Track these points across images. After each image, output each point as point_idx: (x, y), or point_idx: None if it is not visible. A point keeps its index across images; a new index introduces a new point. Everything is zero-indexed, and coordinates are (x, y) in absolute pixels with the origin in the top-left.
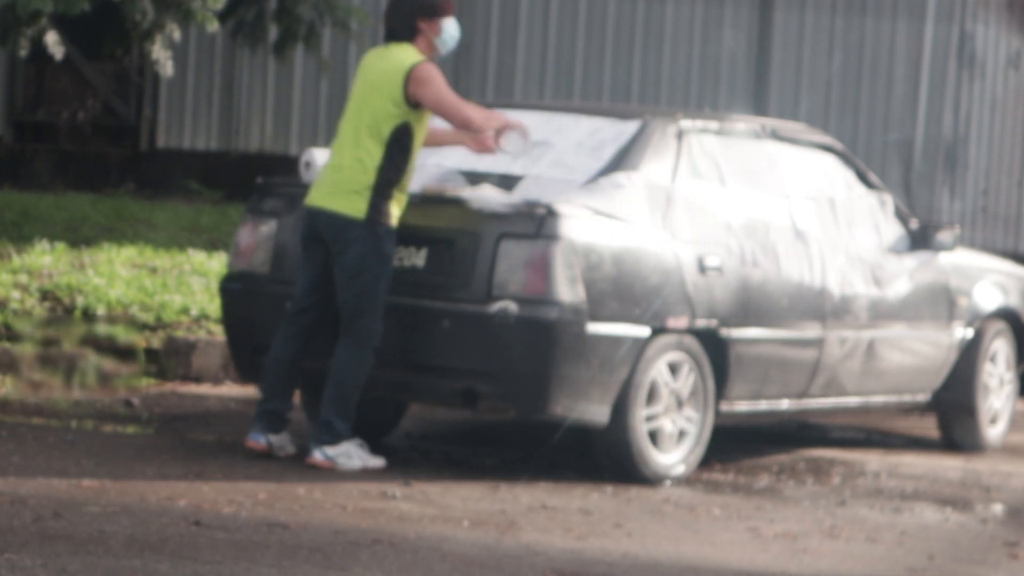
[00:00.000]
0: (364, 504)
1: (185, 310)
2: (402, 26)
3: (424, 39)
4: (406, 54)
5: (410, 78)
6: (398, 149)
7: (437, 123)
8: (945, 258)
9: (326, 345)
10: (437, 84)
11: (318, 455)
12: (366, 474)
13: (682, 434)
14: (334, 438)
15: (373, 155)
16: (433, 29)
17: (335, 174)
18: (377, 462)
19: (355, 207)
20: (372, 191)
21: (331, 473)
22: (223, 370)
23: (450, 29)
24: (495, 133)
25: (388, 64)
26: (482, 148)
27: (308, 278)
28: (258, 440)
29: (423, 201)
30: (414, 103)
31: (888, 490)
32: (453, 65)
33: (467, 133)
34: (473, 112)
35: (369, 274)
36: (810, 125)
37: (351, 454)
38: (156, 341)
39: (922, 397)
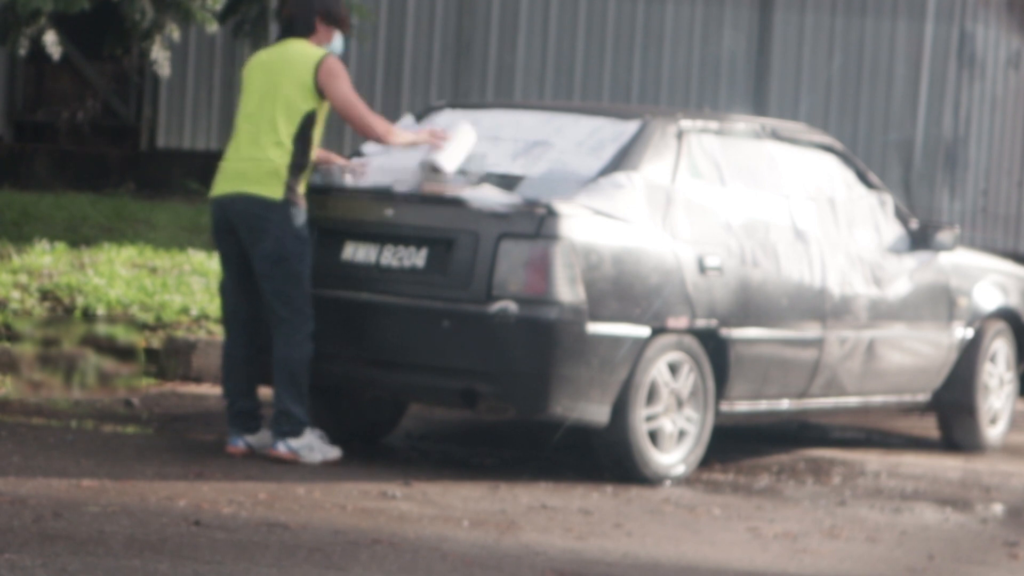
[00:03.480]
0: (364, 504)
1: (185, 310)
2: (301, 19)
3: (316, 40)
4: (310, 48)
5: (321, 67)
6: (306, 136)
7: None
8: (945, 258)
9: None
10: (346, 82)
11: (281, 447)
12: (366, 474)
13: (682, 434)
14: (295, 427)
15: (284, 143)
16: (326, 35)
17: (244, 163)
18: (335, 453)
19: (271, 189)
20: (288, 173)
21: (331, 473)
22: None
23: (337, 43)
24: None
25: (294, 56)
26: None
27: (231, 273)
28: (236, 444)
29: (423, 201)
30: (321, 93)
31: (888, 490)
32: (453, 65)
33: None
34: (377, 122)
35: (292, 257)
36: (810, 125)
37: (313, 446)
38: (156, 341)
39: (922, 397)
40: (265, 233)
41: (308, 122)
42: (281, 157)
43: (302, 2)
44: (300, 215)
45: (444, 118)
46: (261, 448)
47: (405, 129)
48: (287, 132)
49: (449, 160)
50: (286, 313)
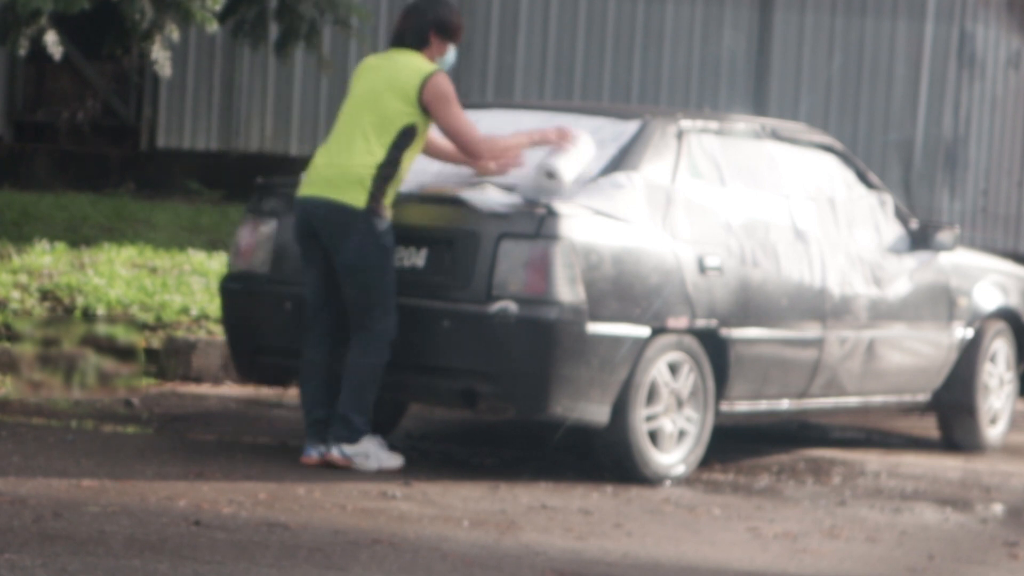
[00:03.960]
0: (364, 504)
1: (185, 310)
2: (415, 32)
3: (429, 53)
4: (420, 61)
5: (428, 84)
6: (401, 148)
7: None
8: (945, 258)
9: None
10: (455, 102)
11: (335, 452)
12: (366, 474)
13: (682, 434)
14: (352, 434)
15: (375, 152)
16: (440, 48)
17: (332, 168)
18: (394, 462)
19: (355, 197)
20: (372, 183)
21: (331, 473)
22: (223, 370)
23: (451, 56)
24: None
25: (401, 67)
26: (484, 172)
27: (313, 278)
28: (310, 454)
29: (423, 201)
30: (424, 108)
31: (888, 490)
32: (453, 65)
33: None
34: (483, 143)
35: (372, 267)
36: (810, 125)
37: (369, 454)
38: (156, 341)
39: (922, 397)
40: (347, 241)
41: (405, 135)
42: (369, 166)
43: (416, 13)
44: (383, 224)
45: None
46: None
47: (517, 133)
48: (381, 142)
49: (568, 168)
50: (365, 321)
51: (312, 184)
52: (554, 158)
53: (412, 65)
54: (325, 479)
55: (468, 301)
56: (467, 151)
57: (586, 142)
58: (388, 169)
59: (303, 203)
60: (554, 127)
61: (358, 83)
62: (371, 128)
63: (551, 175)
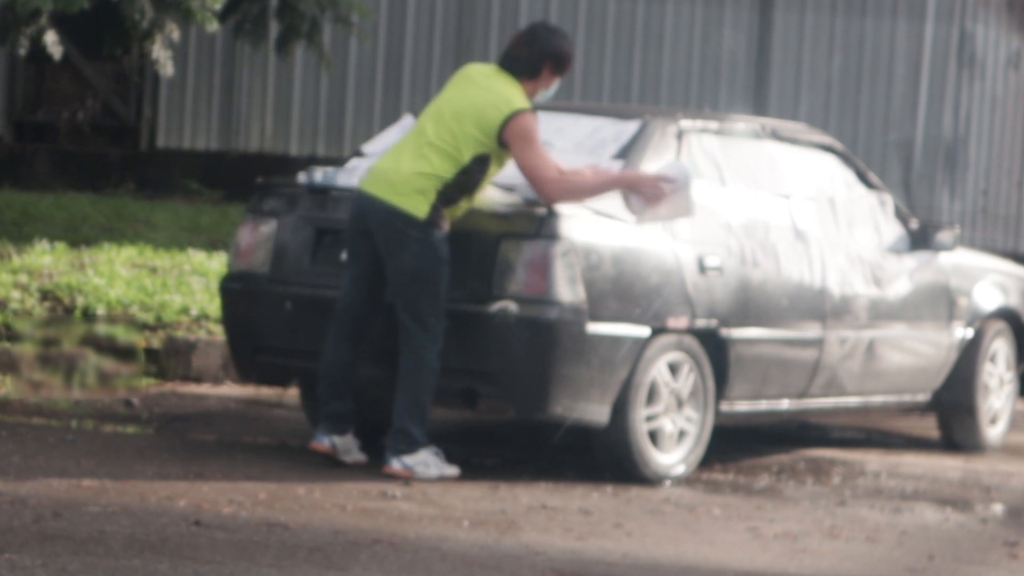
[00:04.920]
0: (364, 504)
1: (185, 310)
2: (529, 60)
3: (535, 84)
4: (514, 93)
5: (511, 122)
6: (470, 174)
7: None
8: (945, 258)
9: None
10: (535, 143)
11: (396, 464)
12: (366, 474)
13: (682, 434)
14: (411, 446)
15: (444, 169)
16: (548, 81)
17: (397, 173)
18: (452, 471)
19: (417, 206)
20: (436, 196)
21: (331, 473)
22: (223, 370)
23: (555, 88)
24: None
25: (492, 93)
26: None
27: (354, 275)
28: (321, 442)
29: None
30: (503, 144)
31: (888, 490)
32: (453, 65)
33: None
34: (554, 187)
35: (427, 276)
36: (810, 125)
37: (428, 463)
38: (156, 341)
39: (922, 397)
40: (403, 248)
41: (477, 163)
42: (436, 180)
43: (536, 42)
44: (441, 236)
45: None
46: (345, 454)
47: (599, 173)
48: (451, 162)
49: (651, 219)
50: (416, 330)
51: (375, 183)
52: (650, 209)
53: (504, 97)
54: (325, 479)
55: (468, 301)
56: (540, 193)
57: (681, 192)
58: (453, 189)
59: (363, 199)
60: (653, 175)
61: (450, 91)
62: (444, 144)
63: (634, 214)
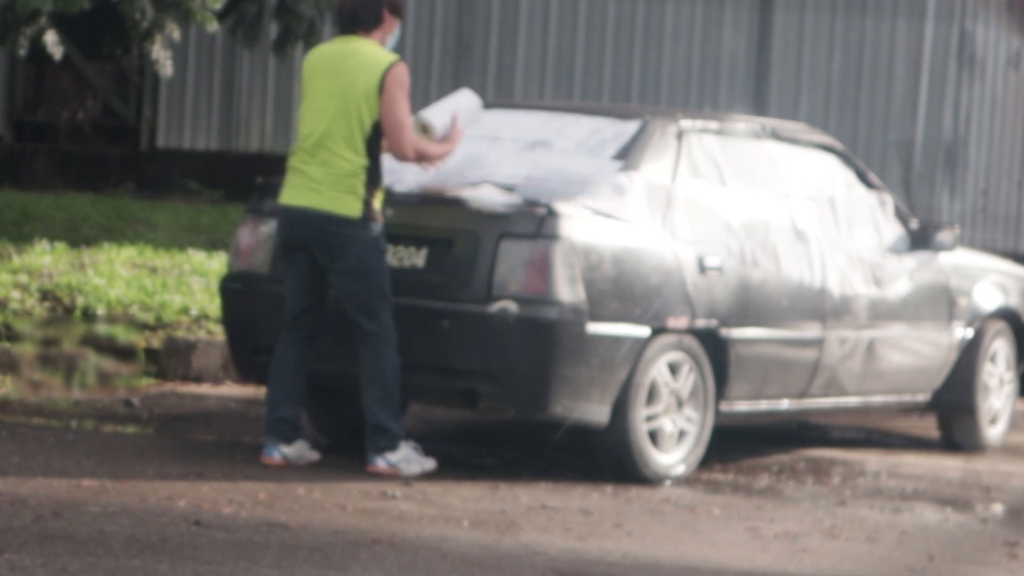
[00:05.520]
0: (364, 504)
1: (185, 310)
2: (368, 13)
3: (382, 33)
4: (378, 51)
5: (391, 71)
6: (378, 147)
7: None
8: (945, 258)
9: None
10: (405, 95)
11: (381, 463)
12: (366, 474)
13: (682, 434)
14: (391, 441)
15: (357, 155)
16: (390, 27)
17: (315, 176)
18: (431, 464)
19: (349, 207)
20: (364, 188)
21: (331, 473)
22: (223, 370)
23: (397, 33)
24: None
25: (363, 59)
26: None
27: (297, 285)
28: (272, 455)
29: (423, 201)
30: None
31: (888, 490)
32: (454, 65)
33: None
34: (411, 145)
35: (374, 271)
36: (810, 125)
37: (410, 459)
38: (156, 341)
39: (922, 397)
40: (346, 251)
41: (377, 132)
42: (356, 171)
43: None
44: (377, 228)
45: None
46: (298, 460)
47: (433, 144)
48: (360, 144)
49: (440, 119)
50: (373, 327)
51: (298, 191)
52: (427, 112)
53: (372, 59)
54: (325, 479)
55: (468, 301)
56: (396, 148)
57: (466, 95)
58: (374, 172)
59: (291, 213)
60: (456, 128)
61: (317, 81)
62: (346, 129)
63: (425, 128)
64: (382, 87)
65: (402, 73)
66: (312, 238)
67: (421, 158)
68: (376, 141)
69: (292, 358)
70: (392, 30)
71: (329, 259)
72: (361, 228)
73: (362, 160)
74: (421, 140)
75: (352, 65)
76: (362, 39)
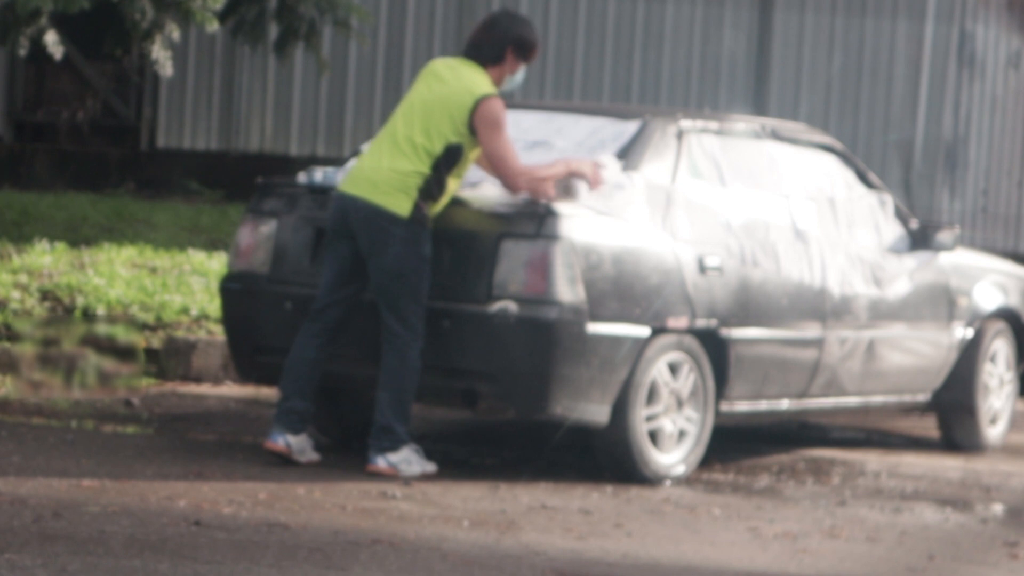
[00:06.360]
0: (364, 504)
1: (185, 310)
2: (491, 47)
3: (500, 70)
4: (480, 80)
5: (479, 109)
6: (446, 166)
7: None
8: (945, 258)
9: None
10: (502, 130)
11: (381, 462)
12: (366, 474)
13: (682, 434)
14: (395, 443)
15: (420, 165)
16: (513, 66)
17: (378, 172)
18: (432, 467)
19: (399, 205)
20: (417, 193)
21: (331, 473)
22: (223, 370)
23: (521, 74)
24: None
25: (459, 83)
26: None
27: (333, 273)
28: (276, 441)
29: None
30: (473, 131)
31: (888, 490)
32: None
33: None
34: (521, 178)
35: (411, 275)
36: (810, 125)
37: (411, 460)
38: (156, 341)
39: (922, 397)
40: (387, 246)
41: (450, 154)
42: (416, 177)
43: (497, 28)
44: (424, 234)
45: None
46: (299, 454)
47: (556, 162)
48: (427, 155)
49: (586, 192)
50: (400, 329)
51: (356, 183)
52: (577, 180)
53: (471, 85)
54: (325, 479)
55: (468, 301)
56: (505, 181)
57: (612, 170)
58: (432, 183)
59: (344, 200)
60: (591, 161)
61: (418, 87)
62: (420, 138)
63: (568, 191)
64: (471, 122)
65: (490, 110)
66: (359, 227)
67: (532, 185)
68: (445, 162)
69: (310, 352)
70: (514, 71)
71: (370, 251)
72: (406, 228)
73: (425, 170)
74: (530, 167)
75: (451, 86)
76: (476, 65)
